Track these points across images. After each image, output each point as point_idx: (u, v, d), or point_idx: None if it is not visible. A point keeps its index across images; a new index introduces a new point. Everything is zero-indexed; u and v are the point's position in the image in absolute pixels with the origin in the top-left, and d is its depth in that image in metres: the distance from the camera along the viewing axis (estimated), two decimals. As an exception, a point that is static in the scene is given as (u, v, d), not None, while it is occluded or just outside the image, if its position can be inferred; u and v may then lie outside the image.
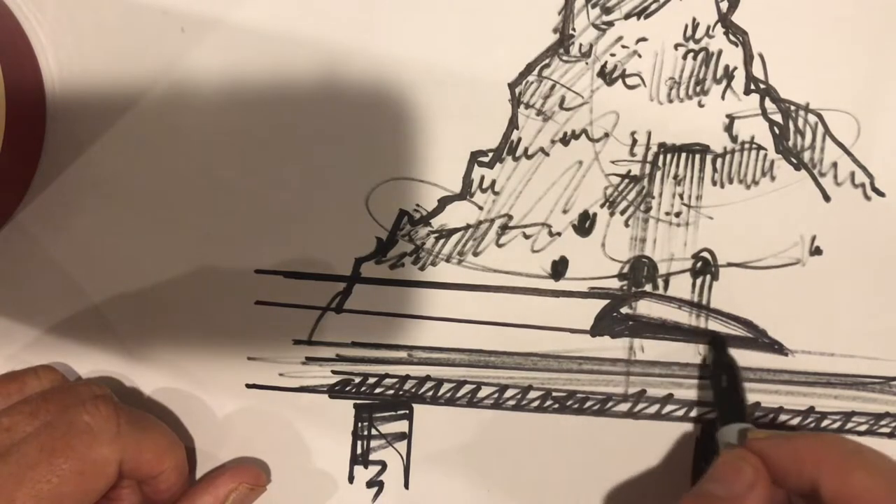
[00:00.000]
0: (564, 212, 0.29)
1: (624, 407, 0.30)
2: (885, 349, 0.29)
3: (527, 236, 0.30)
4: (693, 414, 0.30)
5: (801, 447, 0.24)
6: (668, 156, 0.29)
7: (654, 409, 0.30)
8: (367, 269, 0.30)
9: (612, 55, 0.29)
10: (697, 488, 0.25)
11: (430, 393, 0.30)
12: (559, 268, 0.30)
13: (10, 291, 0.31)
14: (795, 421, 0.30)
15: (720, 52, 0.29)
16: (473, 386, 0.30)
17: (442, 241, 0.30)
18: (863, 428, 0.29)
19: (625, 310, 0.30)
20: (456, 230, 0.30)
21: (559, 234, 0.30)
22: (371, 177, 0.30)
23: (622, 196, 0.29)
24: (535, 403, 0.30)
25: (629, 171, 0.29)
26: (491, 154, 0.29)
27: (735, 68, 0.29)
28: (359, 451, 0.30)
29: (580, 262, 0.29)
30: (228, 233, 0.30)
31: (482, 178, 0.30)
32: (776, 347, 0.29)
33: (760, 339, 0.29)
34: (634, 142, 0.29)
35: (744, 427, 0.26)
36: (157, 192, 0.30)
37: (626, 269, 0.30)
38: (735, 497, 0.24)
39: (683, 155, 0.29)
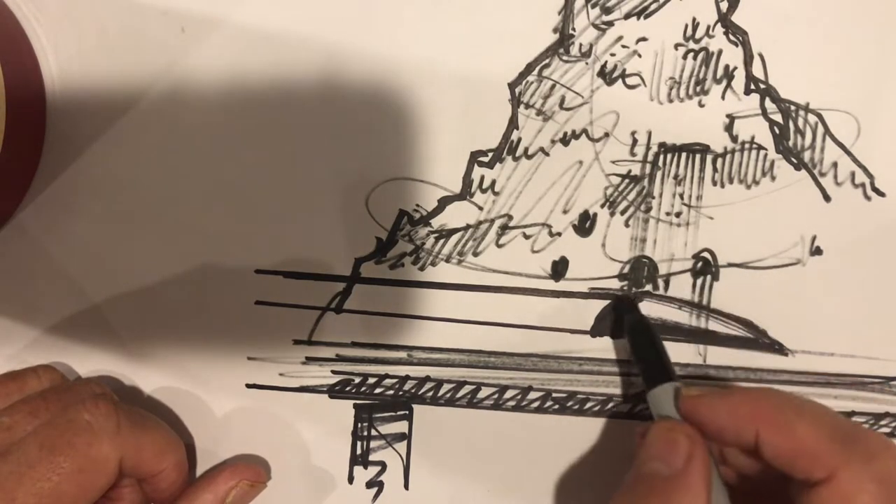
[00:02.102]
0: (564, 212, 0.29)
1: (624, 408, 0.30)
2: (885, 349, 0.29)
3: (527, 236, 0.30)
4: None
5: (739, 404, 0.23)
6: (669, 156, 0.29)
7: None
8: (366, 269, 0.30)
9: (612, 55, 0.29)
10: (635, 470, 0.24)
11: (430, 393, 0.30)
12: (559, 268, 0.30)
13: (10, 291, 0.31)
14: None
15: (720, 52, 0.29)
16: (473, 386, 0.30)
17: (442, 241, 0.30)
18: (863, 428, 0.29)
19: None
20: (456, 230, 0.30)
21: (559, 234, 0.30)
22: (371, 177, 0.30)
23: (622, 196, 0.29)
24: (536, 404, 0.30)
25: (629, 171, 0.29)
26: (491, 154, 0.29)
27: (735, 68, 0.29)
28: (358, 451, 0.30)
29: (580, 262, 0.29)
30: (228, 233, 0.30)
31: (482, 178, 0.30)
32: (776, 347, 0.29)
33: (760, 339, 0.29)
34: (635, 142, 0.29)
35: (674, 386, 0.25)
36: (157, 192, 0.30)
37: (626, 270, 0.30)
38: (676, 473, 0.23)
39: (683, 155, 0.29)
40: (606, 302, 0.30)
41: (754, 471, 0.25)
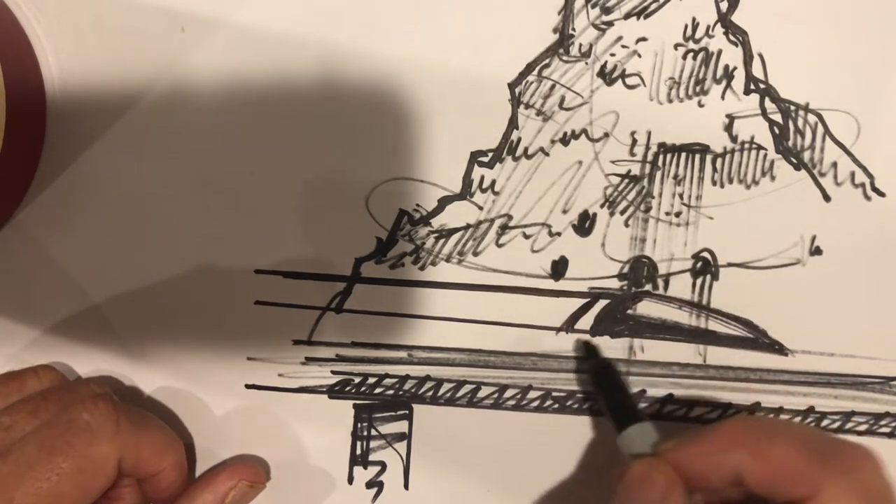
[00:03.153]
0: (564, 212, 0.29)
1: (624, 407, 0.30)
2: (885, 349, 0.29)
3: (527, 236, 0.30)
4: (693, 414, 0.30)
5: (713, 440, 0.23)
6: (668, 156, 0.29)
7: (653, 408, 0.30)
8: (367, 268, 0.30)
9: (612, 55, 0.29)
10: None
11: (430, 393, 0.30)
12: (559, 268, 0.30)
13: (10, 291, 0.31)
14: (795, 421, 0.29)
15: (720, 52, 0.29)
16: (473, 386, 0.30)
17: (442, 240, 0.30)
18: (863, 428, 0.29)
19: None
20: (456, 230, 0.30)
21: (559, 234, 0.30)
22: (371, 177, 0.30)
23: (622, 196, 0.29)
24: (535, 403, 0.30)
25: (629, 171, 0.29)
26: (491, 154, 0.29)
27: (735, 68, 0.29)
28: (358, 451, 0.30)
29: (580, 262, 0.29)
30: (228, 233, 0.30)
31: (482, 177, 0.30)
32: (776, 347, 0.29)
33: (760, 339, 0.29)
34: (634, 142, 0.29)
35: (647, 429, 0.26)
36: (157, 192, 0.30)
37: (626, 269, 0.30)
38: None
39: (683, 155, 0.29)
40: (607, 302, 0.30)
41: (734, 499, 0.25)
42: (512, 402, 0.30)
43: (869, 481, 0.22)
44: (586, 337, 0.29)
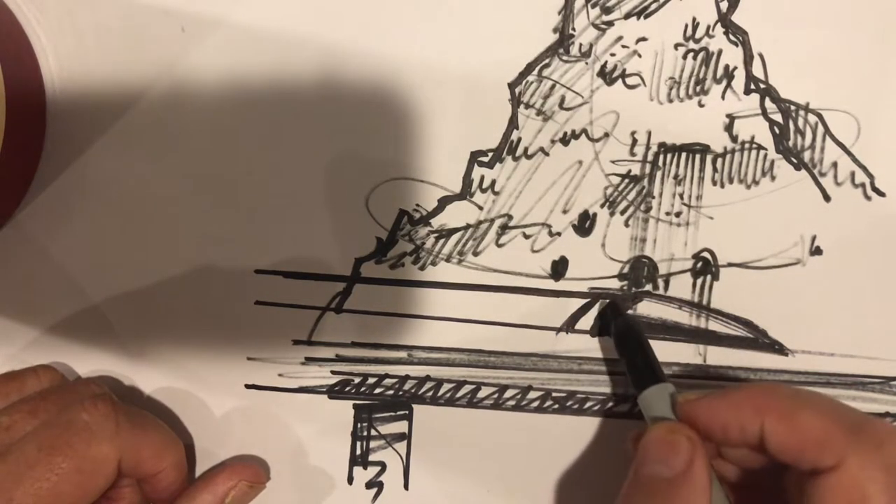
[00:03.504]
0: (564, 212, 0.29)
1: (624, 407, 0.30)
2: (885, 349, 0.29)
3: (527, 236, 0.30)
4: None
5: (741, 400, 0.23)
6: (668, 156, 0.29)
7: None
8: (367, 269, 0.30)
9: (612, 55, 0.29)
10: (634, 474, 0.24)
11: (430, 393, 0.30)
12: (559, 268, 0.30)
13: (10, 291, 0.31)
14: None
15: (720, 52, 0.29)
16: (473, 386, 0.30)
17: (442, 240, 0.30)
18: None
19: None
20: (456, 230, 0.30)
21: (559, 234, 0.30)
22: (371, 177, 0.30)
23: (622, 196, 0.29)
24: (535, 404, 0.30)
25: (629, 171, 0.29)
26: (491, 154, 0.29)
27: (735, 68, 0.29)
28: (358, 451, 0.30)
29: (580, 262, 0.29)
30: (228, 233, 0.30)
31: (482, 177, 0.30)
32: (776, 347, 0.29)
33: (760, 339, 0.29)
34: (634, 142, 0.29)
35: (668, 389, 0.26)
36: (157, 192, 0.30)
37: (626, 269, 0.29)
38: (679, 475, 0.23)
39: (683, 155, 0.29)
40: (607, 301, 0.29)
41: (750, 465, 0.25)
42: (512, 402, 0.30)
43: (894, 456, 0.22)
44: (612, 295, 0.29)
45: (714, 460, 0.25)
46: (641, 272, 0.29)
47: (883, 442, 0.22)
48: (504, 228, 0.30)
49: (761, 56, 0.29)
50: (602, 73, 0.29)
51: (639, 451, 0.24)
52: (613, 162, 0.29)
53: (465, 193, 0.30)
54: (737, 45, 0.29)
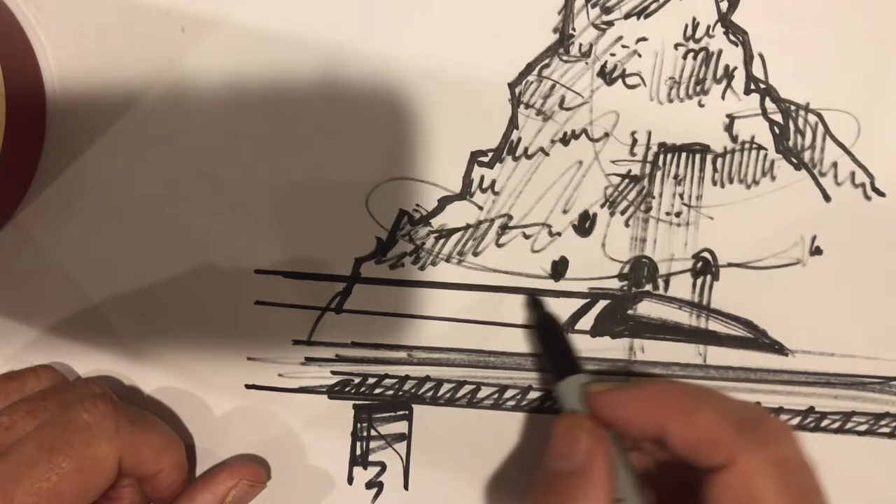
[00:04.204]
0: (564, 212, 0.29)
1: (624, 407, 0.30)
2: (885, 349, 0.29)
3: (527, 236, 0.30)
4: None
5: (643, 397, 0.24)
6: (669, 156, 0.29)
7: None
8: (367, 269, 0.30)
9: (612, 55, 0.29)
10: (543, 470, 0.24)
11: (430, 393, 0.30)
12: (559, 268, 0.30)
13: (10, 291, 0.31)
14: (795, 421, 0.29)
15: (720, 52, 0.29)
16: (473, 386, 0.30)
17: (442, 241, 0.30)
18: (863, 428, 0.29)
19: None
20: (456, 230, 0.30)
21: (559, 234, 0.30)
22: (371, 177, 0.30)
23: (622, 196, 0.29)
24: (535, 404, 0.30)
25: (629, 171, 0.29)
26: (491, 154, 0.29)
27: (735, 68, 0.29)
28: (358, 451, 0.30)
29: (580, 262, 0.29)
30: (228, 233, 0.30)
31: (482, 177, 0.30)
32: (776, 347, 0.29)
33: (760, 339, 0.29)
34: (634, 142, 0.29)
35: (580, 380, 0.26)
36: (157, 192, 0.30)
37: (626, 270, 0.29)
38: (577, 470, 0.23)
39: (683, 155, 0.29)
40: (607, 302, 0.30)
41: (665, 459, 0.25)
42: (512, 403, 0.30)
43: (784, 453, 0.22)
44: (530, 292, 0.29)
45: (633, 452, 0.26)
46: (641, 272, 0.29)
47: (774, 439, 0.22)
48: (504, 228, 0.30)
49: (761, 56, 0.29)
50: (602, 73, 0.29)
51: (550, 443, 0.25)
52: (613, 162, 0.29)
53: (465, 193, 0.30)
54: (737, 45, 0.29)
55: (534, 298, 0.29)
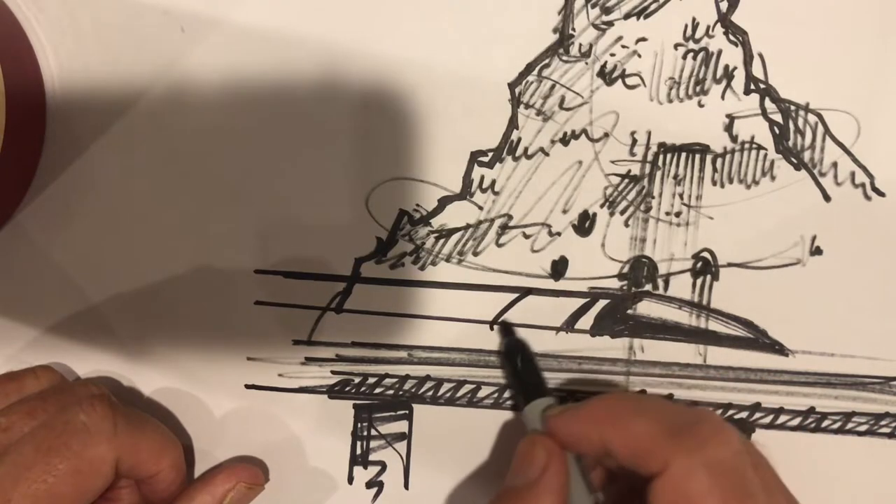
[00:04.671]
0: (564, 212, 0.29)
1: (624, 407, 0.30)
2: (885, 349, 0.29)
3: (527, 236, 0.30)
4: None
5: (587, 413, 0.24)
6: (668, 156, 0.29)
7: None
8: (367, 269, 0.30)
9: (612, 55, 0.29)
10: (502, 487, 0.25)
11: (430, 393, 0.30)
12: (559, 267, 0.30)
13: (10, 291, 0.31)
14: (795, 421, 0.29)
15: (720, 52, 0.29)
16: (473, 386, 0.30)
17: (442, 240, 0.30)
18: (863, 428, 0.29)
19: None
20: (456, 230, 0.30)
21: (559, 234, 0.30)
22: (371, 177, 0.30)
23: (622, 196, 0.29)
24: (535, 404, 0.30)
25: (629, 171, 0.29)
26: (491, 154, 0.29)
27: (735, 68, 0.29)
28: (358, 451, 0.30)
29: (580, 261, 0.29)
30: (228, 233, 0.30)
31: (482, 177, 0.30)
32: (776, 347, 0.29)
33: (760, 339, 0.29)
34: (634, 142, 0.29)
35: (544, 403, 0.26)
36: (157, 192, 0.30)
37: (626, 269, 0.29)
38: (531, 483, 0.24)
39: (683, 155, 0.29)
40: (607, 302, 0.29)
41: (621, 473, 0.26)
42: (512, 402, 0.30)
43: (716, 455, 0.22)
44: (502, 320, 0.29)
45: (595, 470, 0.26)
46: (641, 272, 0.29)
47: (706, 442, 0.22)
48: (504, 228, 0.30)
49: (761, 56, 0.29)
50: (602, 74, 0.29)
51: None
52: (613, 162, 0.29)
53: (465, 193, 0.30)
54: (737, 46, 0.29)
55: (504, 324, 0.29)
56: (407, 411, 0.30)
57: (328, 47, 0.29)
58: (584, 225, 0.29)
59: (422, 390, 0.30)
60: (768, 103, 0.29)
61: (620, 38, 0.29)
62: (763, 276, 0.29)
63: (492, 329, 0.30)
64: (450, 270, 0.30)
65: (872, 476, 0.29)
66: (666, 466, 0.22)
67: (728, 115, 0.29)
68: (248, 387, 0.30)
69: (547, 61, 0.29)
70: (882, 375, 0.29)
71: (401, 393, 0.30)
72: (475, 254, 0.30)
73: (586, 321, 0.30)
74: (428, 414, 0.30)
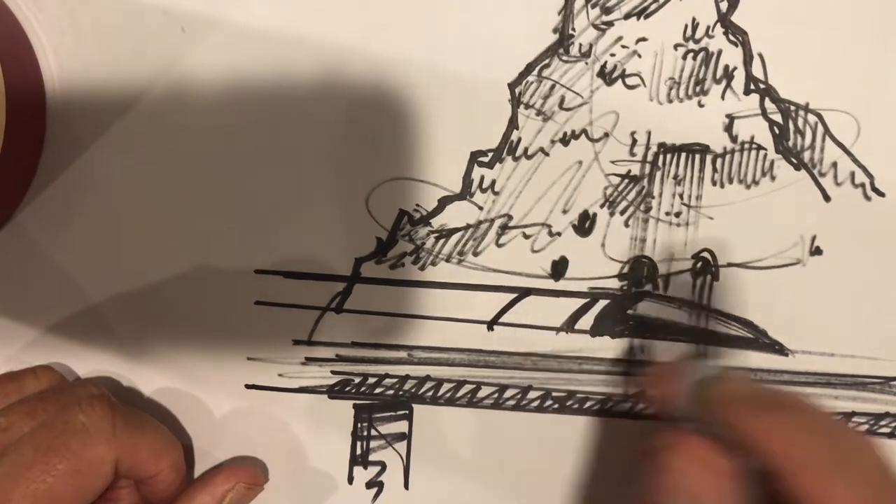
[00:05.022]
0: (564, 212, 0.29)
1: (624, 407, 0.30)
2: (885, 349, 0.29)
3: (527, 236, 0.30)
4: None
5: (777, 436, 0.21)
6: (668, 156, 0.29)
7: (654, 409, 0.30)
8: (367, 269, 0.30)
9: (612, 55, 0.29)
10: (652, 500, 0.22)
11: (430, 393, 0.30)
12: (559, 268, 0.30)
13: (10, 291, 0.30)
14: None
15: (720, 52, 0.29)
16: (473, 386, 0.30)
17: (442, 241, 0.30)
18: (863, 428, 0.29)
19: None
20: (456, 230, 0.30)
21: (559, 234, 0.30)
22: (371, 177, 0.30)
23: (622, 196, 0.29)
24: (535, 403, 0.30)
25: (629, 171, 0.29)
26: (491, 154, 0.29)
27: (735, 68, 0.29)
28: (358, 451, 0.30)
29: (580, 262, 0.29)
30: (228, 233, 0.30)
31: (482, 178, 0.30)
32: (776, 347, 0.29)
33: (760, 339, 0.29)
34: (634, 142, 0.29)
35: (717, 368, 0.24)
36: (157, 192, 0.30)
37: (626, 269, 0.29)
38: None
39: (683, 155, 0.29)
40: (607, 302, 0.29)
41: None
42: (512, 402, 0.30)
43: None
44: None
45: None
46: (641, 272, 0.29)
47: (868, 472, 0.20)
48: (504, 228, 0.30)
49: (761, 56, 0.29)
50: (602, 74, 0.29)
51: (654, 472, 0.22)
52: (613, 162, 0.29)
53: (465, 193, 0.30)
54: (736, 46, 0.29)
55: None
56: (407, 411, 0.30)
57: (328, 47, 0.29)
58: (584, 225, 0.29)
59: (422, 390, 0.30)
60: (768, 103, 0.29)
61: (620, 38, 0.29)
62: (763, 276, 0.29)
63: (490, 329, 0.30)
64: (450, 270, 0.30)
65: (872, 476, 0.29)
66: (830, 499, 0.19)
67: (728, 116, 0.29)
68: (248, 387, 0.30)
69: (547, 61, 0.29)
70: (882, 375, 0.29)
71: (401, 393, 0.30)
72: (475, 254, 0.30)
73: (586, 321, 0.30)
74: (428, 414, 0.30)
